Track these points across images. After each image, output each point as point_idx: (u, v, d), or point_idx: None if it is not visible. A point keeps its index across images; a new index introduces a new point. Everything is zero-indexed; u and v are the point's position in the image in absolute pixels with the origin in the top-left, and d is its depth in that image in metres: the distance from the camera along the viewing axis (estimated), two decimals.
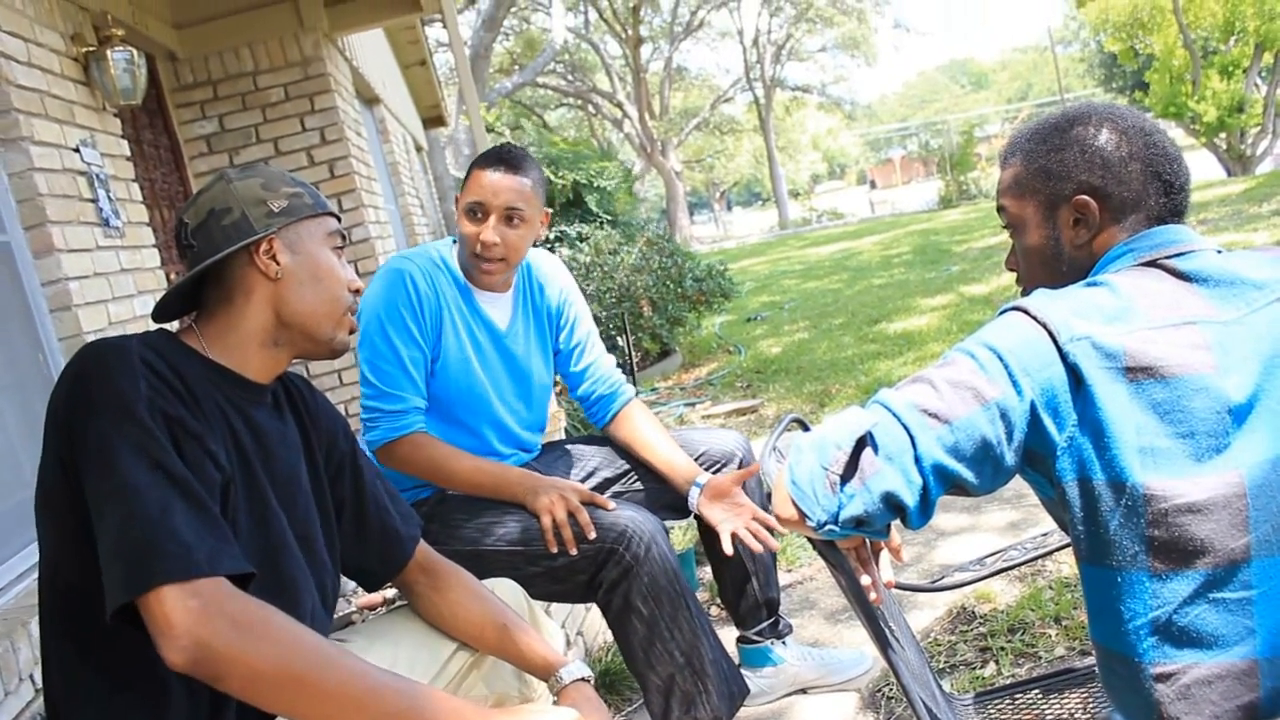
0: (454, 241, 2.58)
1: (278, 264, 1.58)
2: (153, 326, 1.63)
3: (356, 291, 1.69)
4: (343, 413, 4.77)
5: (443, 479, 2.41)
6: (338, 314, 1.65)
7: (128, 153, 3.79)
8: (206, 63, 4.97)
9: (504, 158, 2.42)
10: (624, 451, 2.68)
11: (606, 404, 2.71)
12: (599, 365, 2.74)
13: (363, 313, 2.41)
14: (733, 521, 2.45)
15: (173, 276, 4.23)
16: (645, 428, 2.66)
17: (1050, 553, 1.99)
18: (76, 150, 3.28)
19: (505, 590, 1.95)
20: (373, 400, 2.41)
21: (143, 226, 3.75)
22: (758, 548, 2.44)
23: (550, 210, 2.61)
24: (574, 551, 2.24)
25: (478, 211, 2.41)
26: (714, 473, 2.60)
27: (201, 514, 1.34)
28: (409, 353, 2.40)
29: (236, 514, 1.47)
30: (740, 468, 2.61)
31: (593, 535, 2.23)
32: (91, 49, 3.52)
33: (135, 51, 3.62)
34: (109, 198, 3.44)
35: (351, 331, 1.70)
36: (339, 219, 1.71)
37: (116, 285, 3.38)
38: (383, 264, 2.49)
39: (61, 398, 1.42)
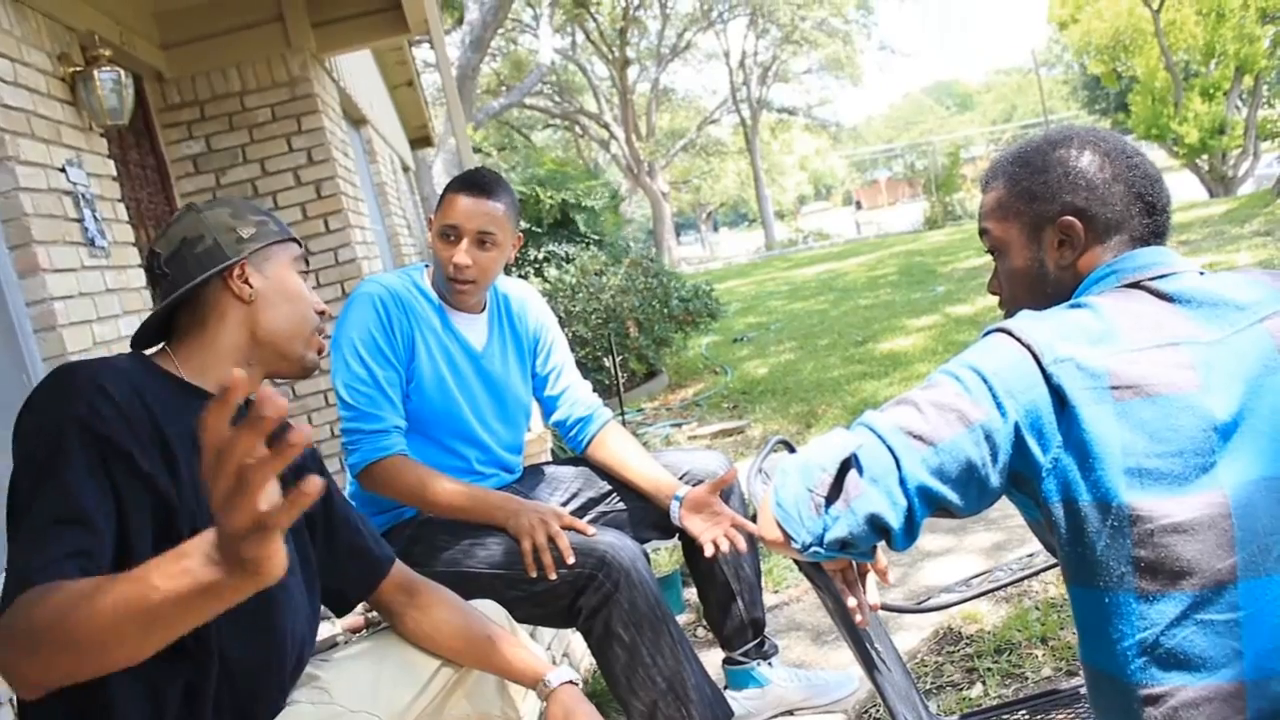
0: (426, 266, 2.61)
1: (250, 287, 1.65)
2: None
3: (322, 313, 1.75)
4: (327, 434, 4.73)
5: (423, 502, 2.41)
6: (307, 333, 1.71)
7: (114, 172, 3.79)
8: (194, 83, 4.97)
9: (477, 182, 2.47)
10: (605, 472, 2.68)
11: (584, 427, 2.72)
12: (575, 389, 2.76)
13: (336, 337, 2.44)
14: (712, 530, 2.47)
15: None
16: (624, 447, 2.67)
17: (1036, 573, 2.00)
18: (63, 170, 3.27)
19: (489, 611, 1.95)
20: (352, 423, 2.41)
21: (128, 247, 3.74)
22: (725, 548, 2.45)
23: (522, 235, 2.65)
24: (553, 576, 2.24)
25: (451, 234, 2.46)
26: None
27: (80, 531, 1.32)
28: (384, 374, 2.42)
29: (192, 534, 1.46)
30: None
31: (572, 560, 2.23)
32: (79, 69, 3.52)
33: (123, 72, 3.62)
34: (95, 217, 3.43)
35: (320, 352, 1.75)
36: (302, 245, 1.78)
37: (102, 305, 3.36)
38: (353, 288, 2.51)
39: (16, 419, 1.45)
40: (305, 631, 1.68)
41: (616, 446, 2.68)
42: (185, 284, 1.62)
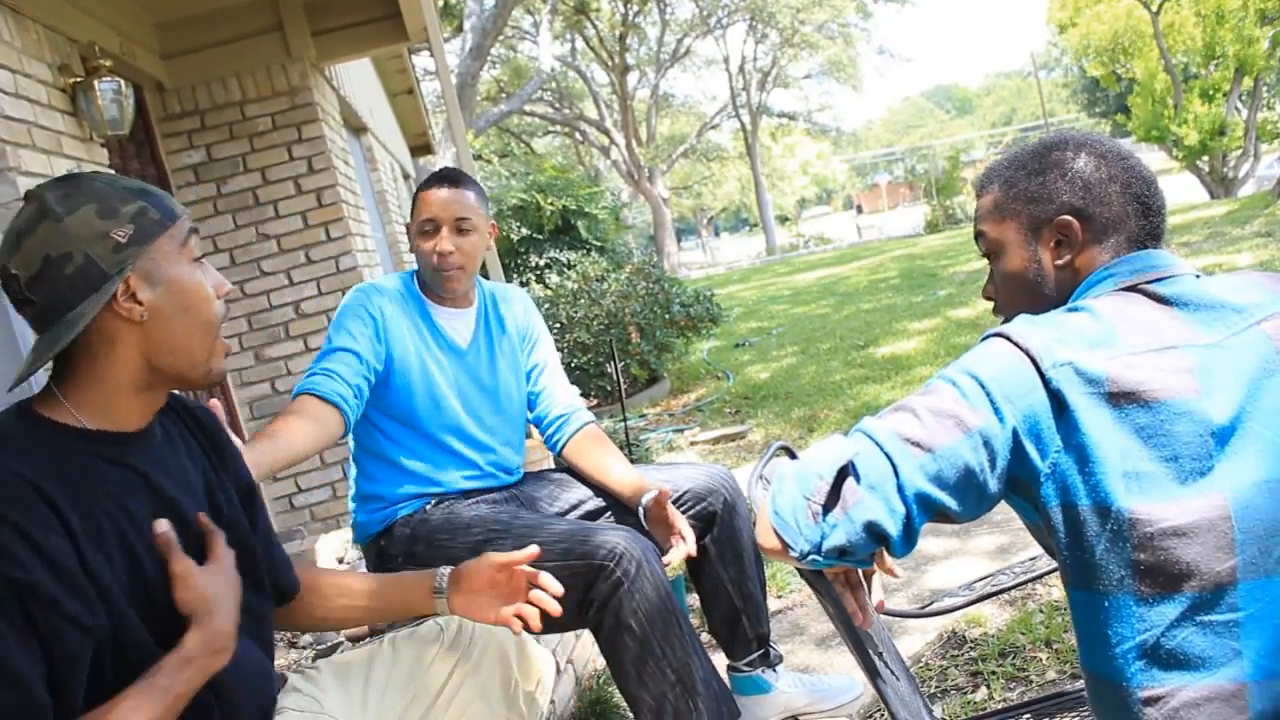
0: (414, 271, 2.68)
1: (140, 305, 1.39)
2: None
3: (226, 294, 1.53)
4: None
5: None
6: (211, 339, 1.48)
7: None
8: (194, 92, 4.97)
9: (445, 176, 2.61)
10: (587, 480, 2.71)
11: (561, 426, 2.76)
12: (557, 388, 2.80)
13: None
14: (665, 537, 2.52)
15: None
16: (597, 451, 2.70)
17: (1039, 577, 2.00)
18: None
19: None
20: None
21: None
22: (677, 559, 2.48)
23: (495, 225, 2.74)
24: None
25: (429, 227, 2.56)
26: (695, 510, 2.63)
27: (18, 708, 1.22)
28: (340, 339, 2.46)
29: (138, 634, 1.36)
30: (724, 504, 2.64)
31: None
32: (79, 80, 3.53)
33: (123, 82, 3.63)
34: None
35: (226, 355, 1.54)
36: (187, 215, 1.50)
37: None
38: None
39: None
40: (259, 647, 1.63)
41: (593, 452, 2.70)
42: (61, 314, 1.35)
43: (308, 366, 2.46)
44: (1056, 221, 1.40)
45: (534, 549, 1.80)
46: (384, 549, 2.51)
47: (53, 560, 1.26)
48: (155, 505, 1.44)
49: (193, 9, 4.86)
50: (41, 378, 1.45)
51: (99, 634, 1.30)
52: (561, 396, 2.79)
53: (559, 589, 1.79)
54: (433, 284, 2.60)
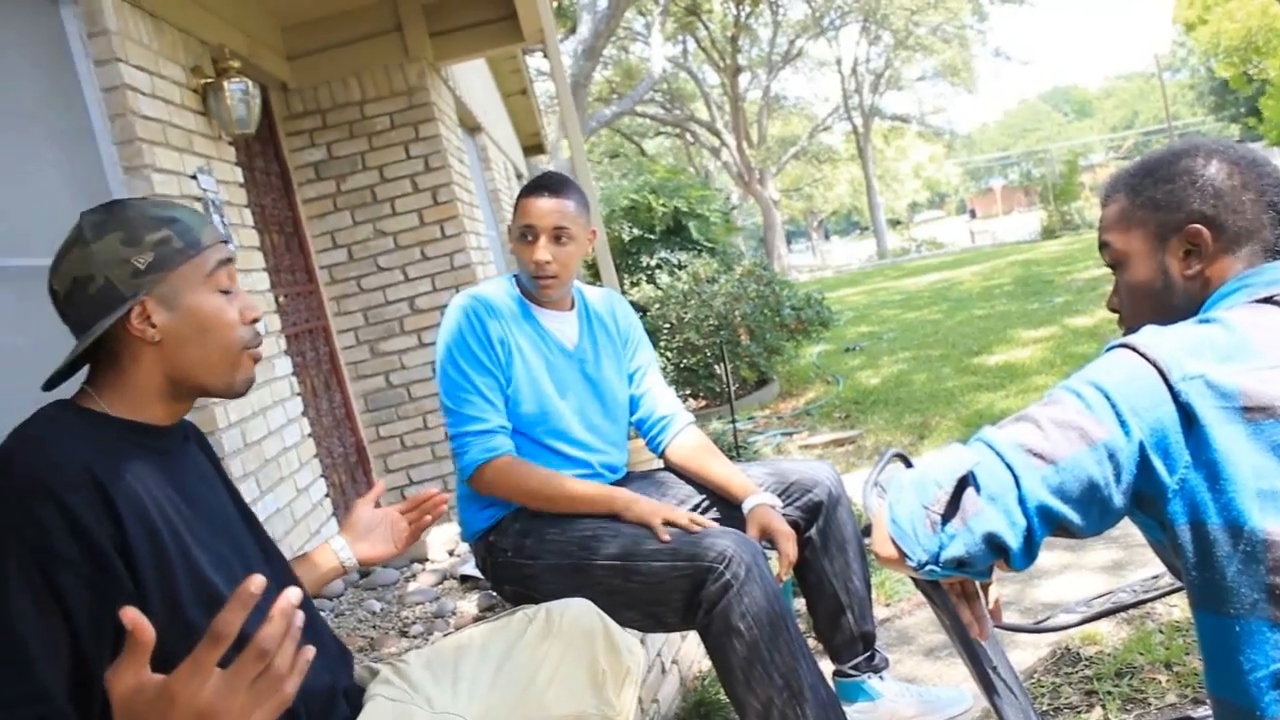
0: (514, 275, 2.72)
1: (154, 327, 1.49)
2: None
3: (254, 321, 1.61)
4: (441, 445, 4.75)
5: (536, 499, 2.49)
6: (232, 358, 1.57)
7: (241, 179, 3.91)
8: (316, 92, 5.11)
9: (547, 184, 2.60)
10: (689, 478, 2.73)
11: (664, 429, 2.78)
12: (657, 391, 2.82)
13: (437, 349, 2.59)
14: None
15: (281, 300, 4.34)
16: (702, 450, 2.72)
17: (1162, 595, 1.93)
18: (194, 177, 3.39)
19: (578, 609, 1.95)
20: (458, 427, 2.52)
21: (254, 251, 3.86)
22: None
23: (595, 230, 2.75)
24: (695, 528, 2.33)
25: (528, 235, 2.57)
26: (801, 500, 2.63)
27: (14, 674, 1.27)
28: (482, 379, 2.52)
29: (173, 589, 1.40)
30: (828, 498, 2.64)
31: (698, 528, 2.32)
32: (209, 80, 3.65)
33: (250, 83, 3.74)
34: (223, 223, 3.55)
35: (257, 361, 1.62)
36: (225, 242, 1.60)
37: None
38: (451, 301, 2.63)
39: None
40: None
41: (696, 449, 2.73)
42: (84, 331, 1.48)
43: (450, 390, 2.52)
44: (1186, 230, 1.36)
45: (380, 485, 2.02)
46: (494, 544, 2.54)
47: (90, 540, 1.31)
48: (180, 498, 1.51)
49: (316, 12, 5.00)
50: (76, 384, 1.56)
51: (127, 587, 1.34)
52: (663, 399, 2.81)
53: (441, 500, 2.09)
54: (533, 290, 2.63)
